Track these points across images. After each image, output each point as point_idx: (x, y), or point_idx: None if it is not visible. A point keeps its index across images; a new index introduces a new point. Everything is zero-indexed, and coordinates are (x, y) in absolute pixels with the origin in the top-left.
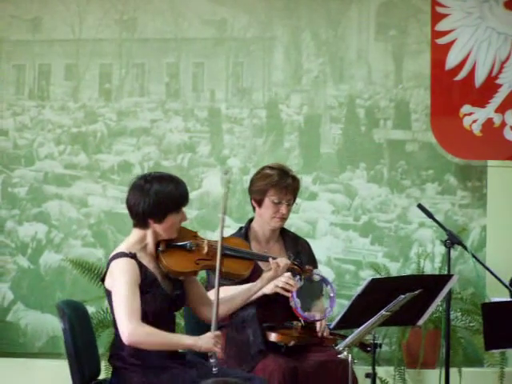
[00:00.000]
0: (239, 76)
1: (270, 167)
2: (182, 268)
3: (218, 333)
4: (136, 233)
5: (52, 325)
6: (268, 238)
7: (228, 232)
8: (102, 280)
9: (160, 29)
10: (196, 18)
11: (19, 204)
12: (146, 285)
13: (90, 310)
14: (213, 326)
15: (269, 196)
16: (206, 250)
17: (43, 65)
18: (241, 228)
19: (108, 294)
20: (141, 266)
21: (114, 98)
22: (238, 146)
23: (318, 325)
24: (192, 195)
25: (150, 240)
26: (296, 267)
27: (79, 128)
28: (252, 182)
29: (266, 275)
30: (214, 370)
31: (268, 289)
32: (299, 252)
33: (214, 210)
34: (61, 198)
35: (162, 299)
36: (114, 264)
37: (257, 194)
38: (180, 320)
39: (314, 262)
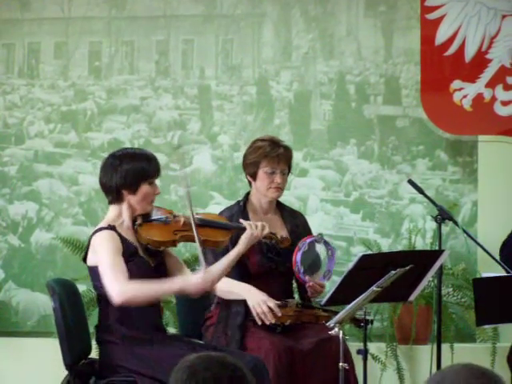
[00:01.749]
0: (229, 53)
1: (261, 140)
2: (161, 238)
3: (201, 274)
4: (112, 210)
5: (43, 303)
6: (266, 210)
7: (224, 206)
8: (84, 259)
9: (149, 6)
10: None
11: (10, 183)
12: (128, 255)
13: (81, 288)
14: (202, 262)
15: (262, 167)
16: (182, 221)
17: (33, 43)
18: (238, 201)
19: (90, 270)
20: (121, 236)
21: (104, 75)
22: (228, 122)
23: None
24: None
25: (125, 215)
26: (273, 235)
27: (69, 106)
28: (245, 156)
29: (243, 237)
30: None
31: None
32: (297, 225)
33: (205, 188)
34: (51, 177)
35: (145, 269)
36: (95, 238)
37: (250, 168)
38: (171, 297)
39: (309, 232)
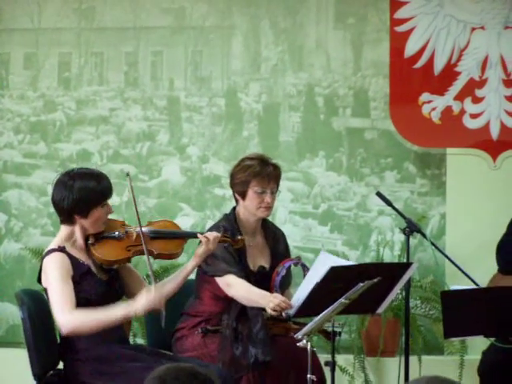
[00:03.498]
0: (198, 64)
1: (250, 158)
2: (114, 257)
3: (150, 290)
4: (64, 229)
5: (12, 314)
6: (254, 229)
7: (192, 217)
8: (39, 281)
9: (118, 17)
10: (154, 6)
11: None
12: (80, 275)
13: None
14: (152, 280)
15: (252, 187)
16: (134, 236)
17: (2, 54)
18: (227, 216)
19: (46, 292)
20: (71, 257)
21: (73, 86)
22: (197, 134)
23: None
24: (151, 184)
25: (78, 235)
26: (227, 238)
27: (38, 117)
28: (232, 175)
29: (198, 251)
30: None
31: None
32: (278, 249)
33: (174, 199)
34: (20, 187)
35: (99, 286)
36: (45, 261)
37: (239, 187)
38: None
39: (288, 251)
